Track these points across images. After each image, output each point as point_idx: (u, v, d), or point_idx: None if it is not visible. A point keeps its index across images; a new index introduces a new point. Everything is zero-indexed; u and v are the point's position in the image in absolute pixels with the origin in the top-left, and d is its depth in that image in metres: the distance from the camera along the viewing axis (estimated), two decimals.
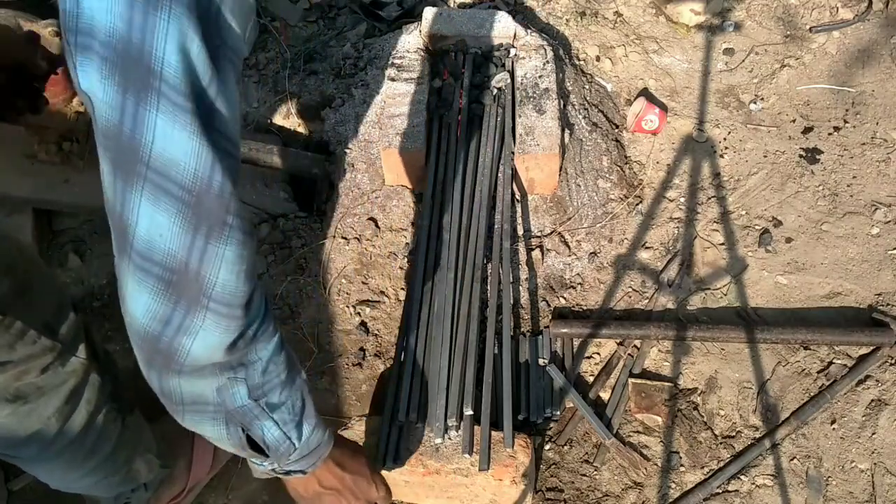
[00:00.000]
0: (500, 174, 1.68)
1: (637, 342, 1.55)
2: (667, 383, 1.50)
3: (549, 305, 1.60)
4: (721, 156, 1.84)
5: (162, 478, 1.25)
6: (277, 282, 1.64)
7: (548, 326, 1.55)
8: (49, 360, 0.99)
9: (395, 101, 1.75)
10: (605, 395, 1.50)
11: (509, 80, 1.79)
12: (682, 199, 1.76)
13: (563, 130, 1.72)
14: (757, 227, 1.71)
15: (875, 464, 1.40)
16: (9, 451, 1.03)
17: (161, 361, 0.75)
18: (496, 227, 1.61)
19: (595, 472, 1.41)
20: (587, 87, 1.92)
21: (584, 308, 1.60)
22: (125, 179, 0.66)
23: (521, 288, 1.61)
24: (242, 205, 0.72)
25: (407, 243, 1.66)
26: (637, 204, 1.75)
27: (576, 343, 1.56)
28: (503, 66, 1.83)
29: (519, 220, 1.68)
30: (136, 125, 0.64)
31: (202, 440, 1.35)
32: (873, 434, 1.43)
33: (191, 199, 0.67)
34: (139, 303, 0.70)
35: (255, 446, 0.89)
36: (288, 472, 0.97)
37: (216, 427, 0.85)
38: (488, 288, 1.55)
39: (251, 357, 0.81)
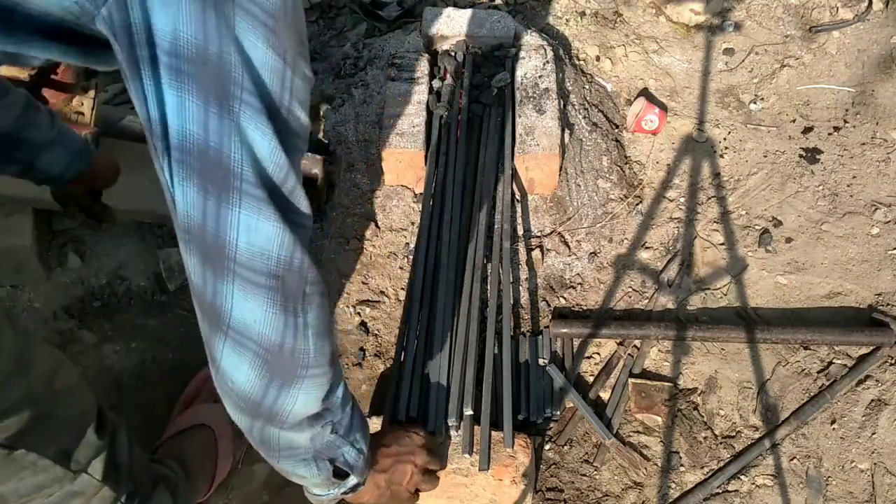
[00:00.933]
0: (499, 174, 1.68)
1: (637, 342, 1.55)
2: (667, 383, 1.50)
3: (549, 305, 1.60)
4: (721, 156, 1.84)
5: None
6: None
7: (548, 326, 1.55)
8: (58, 488, 0.94)
9: (394, 101, 1.75)
10: (605, 395, 1.50)
11: (509, 80, 1.79)
12: (682, 199, 1.76)
13: (563, 130, 1.72)
14: (757, 227, 1.71)
15: (875, 464, 1.40)
16: None
17: (263, 420, 0.80)
18: (496, 227, 1.61)
19: (595, 472, 1.41)
20: (587, 87, 1.92)
21: (584, 308, 1.60)
22: (214, 272, 0.68)
23: (521, 288, 1.61)
24: (316, 269, 0.76)
25: (407, 243, 1.66)
26: (637, 204, 1.75)
27: (576, 343, 1.56)
28: (503, 66, 1.83)
29: (519, 220, 1.68)
30: (220, 225, 0.66)
31: (225, 449, 1.33)
32: (873, 434, 1.43)
33: (277, 284, 0.70)
34: (240, 372, 0.74)
35: (336, 473, 0.95)
36: (356, 487, 1.00)
37: (308, 467, 0.89)
38: (488, 288, 1.55)
39: (333, 399, 0.86)
